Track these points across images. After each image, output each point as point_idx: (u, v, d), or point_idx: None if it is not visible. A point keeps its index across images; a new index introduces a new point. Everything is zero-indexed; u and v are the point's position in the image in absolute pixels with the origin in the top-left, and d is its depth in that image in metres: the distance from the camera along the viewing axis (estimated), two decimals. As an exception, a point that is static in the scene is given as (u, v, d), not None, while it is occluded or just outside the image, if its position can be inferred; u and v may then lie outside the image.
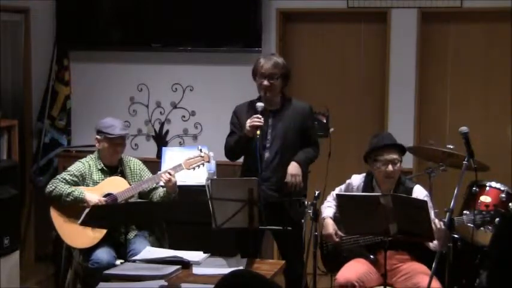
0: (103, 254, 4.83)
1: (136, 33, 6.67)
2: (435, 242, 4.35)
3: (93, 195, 4.95)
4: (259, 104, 4.92)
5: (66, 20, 6.76)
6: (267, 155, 5.01)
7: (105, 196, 4.98)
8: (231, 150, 5.12)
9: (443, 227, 4.29)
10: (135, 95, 6.80)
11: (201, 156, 5.06)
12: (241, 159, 5.21)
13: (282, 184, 4.99)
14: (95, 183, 5.07)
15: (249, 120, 4.88)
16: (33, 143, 6.88)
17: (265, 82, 4.99)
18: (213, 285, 2.87)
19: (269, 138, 5.03)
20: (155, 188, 5.10)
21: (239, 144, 5.01)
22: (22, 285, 5.92)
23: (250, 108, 5.07)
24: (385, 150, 4.67)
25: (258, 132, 4.85)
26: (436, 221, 4.36)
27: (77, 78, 6.86)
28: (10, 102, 6.71)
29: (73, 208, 4.95)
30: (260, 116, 4.86)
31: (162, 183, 5.02)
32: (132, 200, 5.02)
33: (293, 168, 4.99)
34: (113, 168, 5.14)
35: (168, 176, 4.96)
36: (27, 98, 6.86)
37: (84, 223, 4.78)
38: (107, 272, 4.40)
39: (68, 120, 6.84)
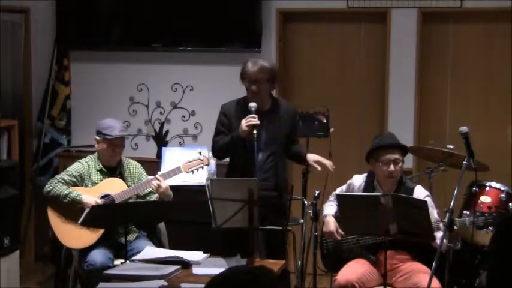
0: (98, 256, 4.81)
1: (137, 33, 6.66)
2: (438, 241, 4.34)
3: (90, 197, 4.93)
4: (253, 104, 4.87)
5: (66, 20, 6.76)
6: (259, 156, 4.99)
7: (102, 197, 4.97)
8: (221, 151, 5.08)
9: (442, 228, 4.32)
10: (135, 95, 6.79)
11: (200, 160, 5.05)
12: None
13: (279, 185, 4.99)
14: (94, 183, 5.06)
15: (244, 121, 4.86)
16: (33, 143, 6.88)
17: (253, 87, 4.97)
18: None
19: (262, 140, 5.00)
20: (151, 192, 5.06)
21: (232, 145, 4.97)
22: (22, 285, 5.91)
23: (239, 107, 5.05)
24: (386, 150, 4.66)
25: (255, 131, 4.84)
26: (441, 224, 4.38)
27: (77, 78, 6.85)
28: (10, 102, 6.71)
29: (70, 208, 4.94)
30: (255, 116, 4.83)
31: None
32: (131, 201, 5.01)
33: (312, 155, 5.06)
34: (112, 169, 5.13)
35: (157, 182, 4.94)
36: (27, 98, 6.86)
37: (84, 223, 4.78)
38: (107, 272, 4.40)
39: (68, 120, 6.84)
